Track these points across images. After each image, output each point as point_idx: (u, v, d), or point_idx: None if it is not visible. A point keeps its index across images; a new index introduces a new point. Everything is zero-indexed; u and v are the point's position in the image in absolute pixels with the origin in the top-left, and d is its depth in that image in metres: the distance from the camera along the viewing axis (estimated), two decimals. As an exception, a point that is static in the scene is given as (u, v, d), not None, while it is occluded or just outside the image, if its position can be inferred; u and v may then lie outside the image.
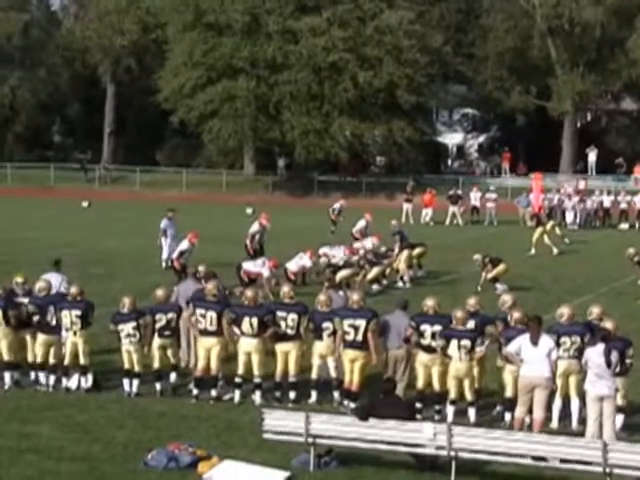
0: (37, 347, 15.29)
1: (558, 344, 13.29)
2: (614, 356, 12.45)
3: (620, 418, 13.27)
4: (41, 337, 15.29)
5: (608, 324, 13.30)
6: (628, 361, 13.24)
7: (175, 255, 24.59)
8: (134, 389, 14.89)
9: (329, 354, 14.67)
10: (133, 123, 72.68)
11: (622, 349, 13.08)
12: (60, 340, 15.40)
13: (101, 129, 71.21)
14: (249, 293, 15.08)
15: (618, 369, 12.93)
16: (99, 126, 71.08)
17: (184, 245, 24.73)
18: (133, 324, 14.94)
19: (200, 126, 59.71)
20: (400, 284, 25.03)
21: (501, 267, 24.54)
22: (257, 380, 14.58)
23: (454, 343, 13.66)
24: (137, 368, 14.95)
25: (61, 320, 15.18)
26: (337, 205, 39.06)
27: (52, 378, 15.19)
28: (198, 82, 58.81)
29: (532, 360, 12.69)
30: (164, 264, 27.06)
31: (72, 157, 71.93)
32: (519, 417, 12.90)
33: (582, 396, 13.12)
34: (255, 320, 14.57)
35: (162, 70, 61.18)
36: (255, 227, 26.73)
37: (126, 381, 14.95)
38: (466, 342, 13.66)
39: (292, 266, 24.56)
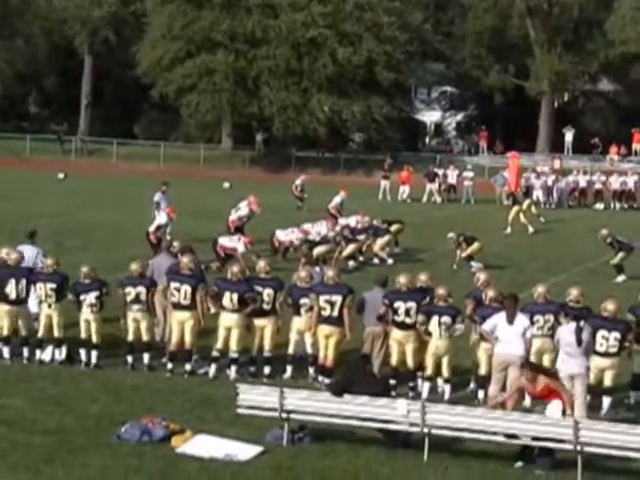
0: (1, 319, 15.16)
1: (532, 322, 13.38)
2: (585, 335, 12.54)
3: (607, 400, 13.33)
4: (4, 308, 15.15)
5: (610, 306, 13.35)
6: (626, 344, 13.29)
7: (152, 228, 24.51)
8: (93, 360, 14.87)
9: (307, 330, 14.68)
10: (111, 95, 72.14)
11: (624, 332, 13.17)
12: (26, 311, 15.35)
13: (78, 101, 70.64)
14: (235, 268, 15.01)
15: (603, 348, 13.04)
16: (76, 98, 70.50)
17: (162, 219, 24.73)
18: (96, 293, 14.90)
19: (178, 100, 59.41)
20: (376, 261, 25.06)
21: (475, 245, 24.61)
22: (234, 355, 14.59)
23: (435, 319, 13.73)
24: (95, 339, 14.91)
25: (23, 292, 15.10)
26: (299, 181, 38.86)
27: (25, 350, 15.08)
28: (177, 55, 58.49)
29: (507, 338, 12.76)
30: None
31: (48, 128, 71.36)
32: (492, 395, 12.96)
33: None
34: (235, 296, 14.55)
35: (140, 43, 60.76)
36: (244, 211, 26.46)
37: (83, 351, 14.93)
38: (446, 319, 13.74)
39: (281, 236, 24.67)
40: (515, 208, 33.21)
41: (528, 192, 43.05)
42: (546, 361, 13.75)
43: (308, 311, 14.60)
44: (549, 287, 14.50)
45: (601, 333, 13.05)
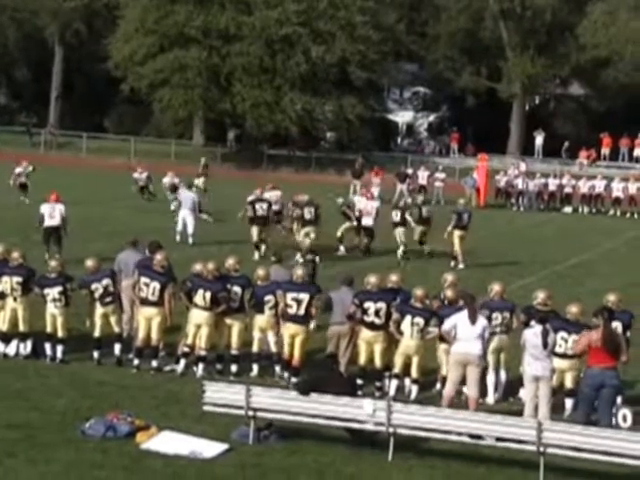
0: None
1: (490, 319, 13.56)
2: (551, 338, 12.63)
3: (570, 401, 13.42)
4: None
5: (574, 309, 13.52)
6: None
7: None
8: (58, 354, 14.82)
9: (269, 328, 14.68)
10: (81, 88, 71.60)
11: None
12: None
13: (49, 93, 70.11)
14: (210, 266, 14.92)
15: (562, 350, 13.17)
16: (47, 90, 69.97)
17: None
18: (59, 289, 14.84)
19: (150, 95, 59.14)
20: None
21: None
22: (201, 353, 14.56)
23: (408, 319, 13.77)
24: (61, 333, 14.86)
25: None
26: (19, 169, 38.23)
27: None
28: (150, 50, 58.21)
29: (467, 337, 12.79)
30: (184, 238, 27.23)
31: (18, 120, 70.81)
32: (448, 394, 12.98)
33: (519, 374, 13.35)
34: (208, 294, 14.51)
35: (112, 36, 60.45)
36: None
37: (48, 345, 14.88)
38: (419, 320, 13.78)
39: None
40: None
41: (500, 195, 43.44)
42: (503, 359, 13.96)
43: (272, 308, 14.60)
44: (505, 286, 14.68)
45: (561, 334, 13.21)
